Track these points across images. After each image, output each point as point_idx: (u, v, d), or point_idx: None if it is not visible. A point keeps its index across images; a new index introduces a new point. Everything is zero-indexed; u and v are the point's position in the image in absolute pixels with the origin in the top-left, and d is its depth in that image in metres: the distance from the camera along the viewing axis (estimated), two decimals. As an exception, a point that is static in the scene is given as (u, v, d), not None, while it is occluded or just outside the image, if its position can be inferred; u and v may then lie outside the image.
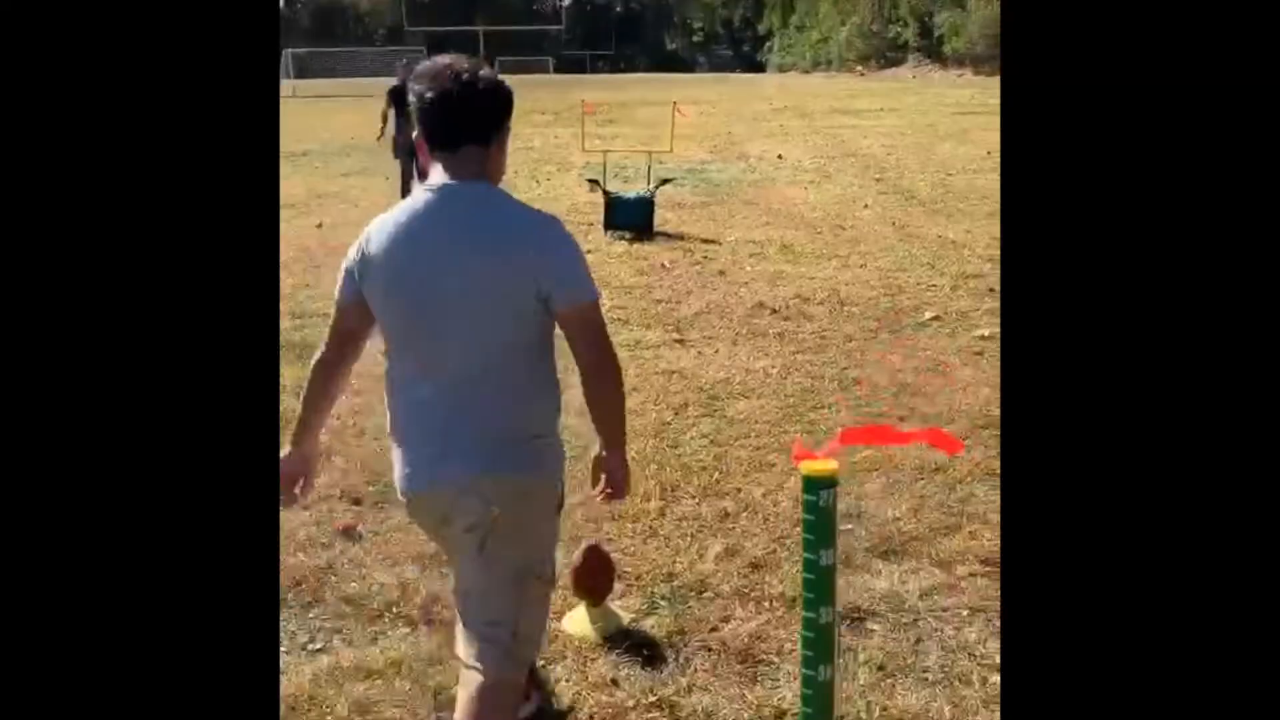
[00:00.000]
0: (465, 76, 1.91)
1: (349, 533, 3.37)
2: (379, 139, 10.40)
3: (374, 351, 5.35)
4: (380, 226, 1.97)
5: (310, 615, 2.90)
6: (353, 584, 3.05)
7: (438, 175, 1.94)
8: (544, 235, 1.92)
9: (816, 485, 1.34)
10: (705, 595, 2.94)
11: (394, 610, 2.90)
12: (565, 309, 1.90)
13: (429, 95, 1.90)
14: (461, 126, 1.92)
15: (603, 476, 2.06)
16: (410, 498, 2.04)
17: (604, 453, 2.05)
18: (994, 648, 2.65)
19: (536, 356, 1.97)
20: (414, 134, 1.99)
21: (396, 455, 2.04)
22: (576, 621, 2.81)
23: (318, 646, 2.76)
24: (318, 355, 2.12)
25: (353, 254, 2.00)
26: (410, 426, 2.01)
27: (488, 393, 1.94)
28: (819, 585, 1.36)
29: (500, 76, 1.99)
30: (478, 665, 1.96)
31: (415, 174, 9.89)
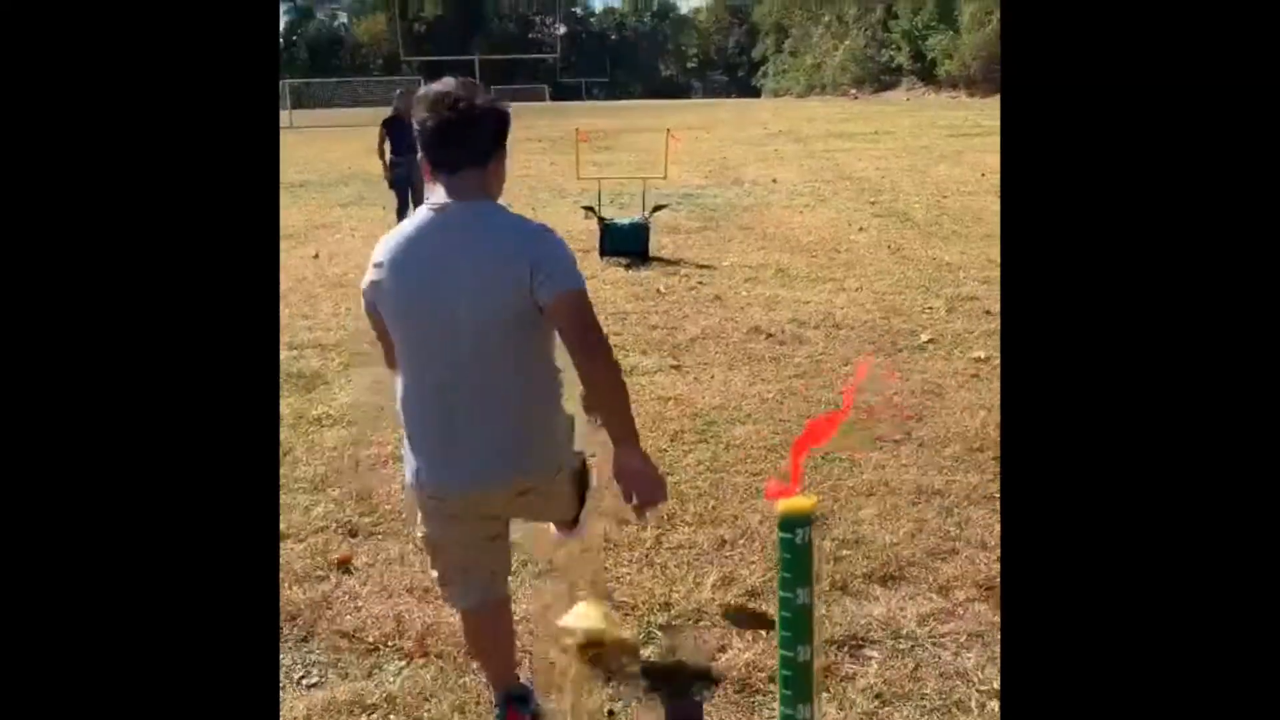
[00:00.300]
0: (462, 105, 2.03)
1: (344, 565, 3.35)
2: (387, 178, 10.18)
3: (368, 382, 5.34)
4: (387, 245, 2.11)
5: (305, 649, 2.88)
6: (348, 617, 3.03)
7: (440, 194, 2.08)
8: (537, 241, 2.04)
9: (792, 523, 1.34)
10: (702, 624, 2.93)
11: (389, 643, 2.89)
12: (550, 299, 1.98)
13: (430, 123, 2.04)
14: (461, 152, 2.06)
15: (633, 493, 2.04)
16: (429, 489, 2.19)
17: (616, 454, 2.02)
18: (992, 674, 2.63)
19: (538, 357, 2.12)
20: (418, 155, 2.12)
21: (412, 452, 2.18)
22: (579, 616, 2.84)
23: (313, 681, 2.74)
24: (389, 365, 2.27)
25: (367, 273, 2.13)
26: (422, 430, 2.15)
27: (496, 397, 2.08)
28: (796, 624, 1.36)
29: (496, 98, 2.11)
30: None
31: (411, 205, 9.93)
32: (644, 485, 2.01)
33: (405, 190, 9.94)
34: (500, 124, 2.08)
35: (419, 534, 2.35)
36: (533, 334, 2.05)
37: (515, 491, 2.18)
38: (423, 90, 2.09)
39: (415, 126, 2.08)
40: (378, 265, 2.09)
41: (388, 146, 9.92)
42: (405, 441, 2.22)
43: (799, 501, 1.32)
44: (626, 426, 2.00)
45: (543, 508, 2.36)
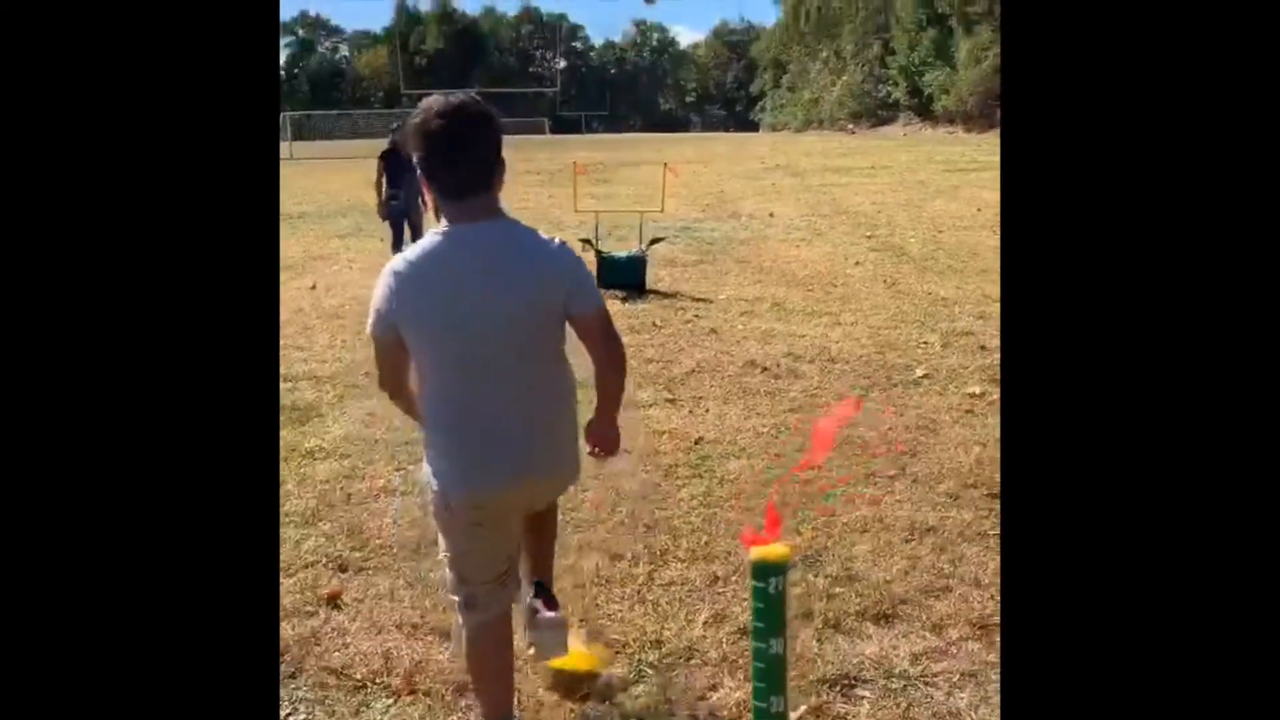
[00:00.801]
0: (459, 137, 2.07)
1: (334, 600, 3.33)
2: (380, 211, 10.16)
3: (362, 415, 5.30)
4: (405, 266, 2.15)
5: (293, 686, 2.85)
6: (336, 654, 3.00)
7: (452, 216, 2.14)
8: (561, 257, 2.18)
9: (765, 571, 1.32)
10: (693, 662, 2.90)
11: (377, 681, 2.86)
12: (581, 314, 2.19)
13: (431, 157, 2.09)
14: (467, 181, 2.12)
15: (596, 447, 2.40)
16: (476, 495, 2.24)
17: (596, 417, 2.36)
18: (985, 714, 2.61)
19: (561, 359, 2.28)
20: (418, 170, 2.14)
21: (447, 466, 2.23)
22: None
23: (300, 718, 2.71)
24: (383, 387, 2.36)
25: (381, 294, 2.16)
26: (461, 441, 2.22)
27: (535, 399, 2.22)
28: (769, 674, 1.34)
29: (485, 108, 2.15)
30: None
31: (409, 236, 9.94)
32: (606, 441, 2.39)
33: (401, 222, 9.95)
34: (496, 138, 2.14)
35: (444, 555, 2.34)
36: (558, 338, 2.22)
37: (552, 484, 2.40)
38: (415, 118, 2.09)
39: (415, 157, 2.09)
40: (397, 286, 2.12)
41: (384, 180, 9.93)
42: (434, 460, 2.24)
43: (774, 549, 1.30)
44: (615, 405, 2.36)
45: (546, 495, 2.52)
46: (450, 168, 2.08)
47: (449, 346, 2.15)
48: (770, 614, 1.32)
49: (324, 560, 3.61)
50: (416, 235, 10.05)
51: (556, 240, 2.22)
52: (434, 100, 2.11)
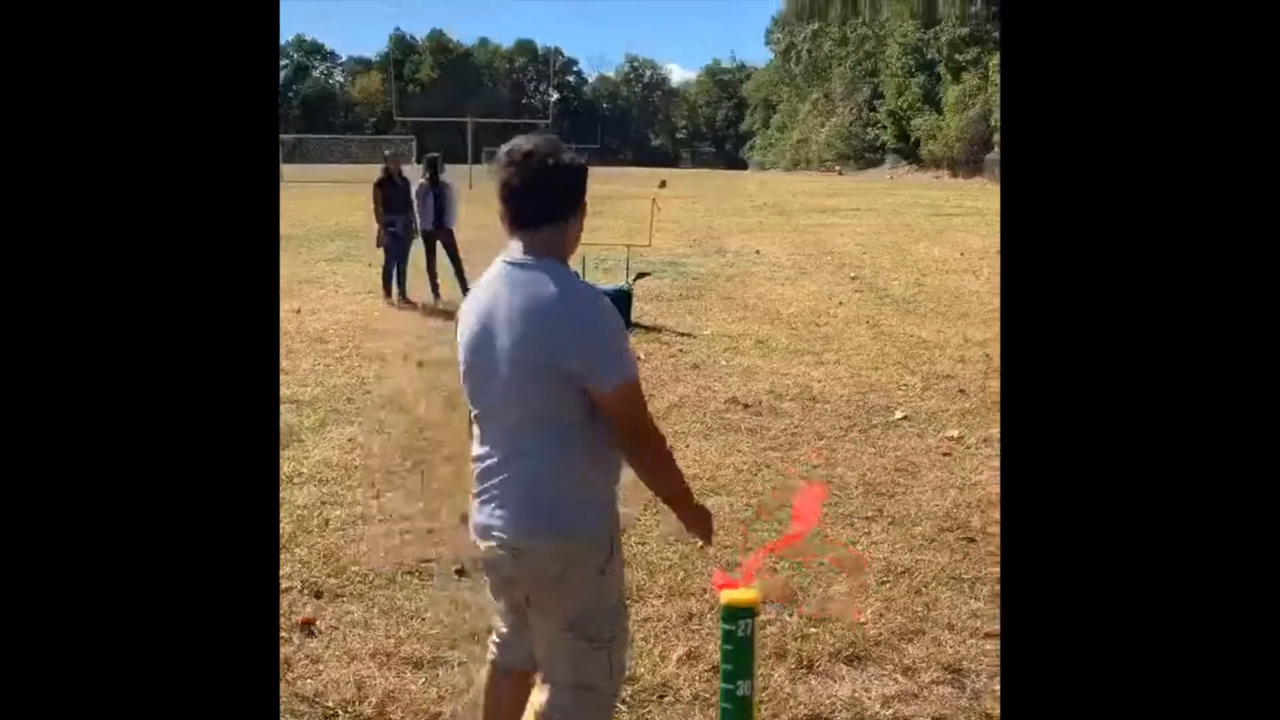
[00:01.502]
0: (546, 162, 2.05)
1: (307, 627, 3.31)
2: (379, 239, 10.15)
3: (342, 440, 5.28)
4: (471, 294, 2.18)
5: (262, 713, 2.83)
6: (308, 680, 2.99)
7: (515, 249, 2.10)
8: (583, 324, 2.01)
9: (735, 615, 1.34)
10: (666, 700, 2.90)
11: (349, 709, 2.84)
12: (596, 393, 2.00)
13: (513, 181, 2.06)
14: (542, 210, 2.08)
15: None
16: (475, 535, 2.15)
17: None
18: (955, 759, 2.62)
19: (581, 424, 2.03)
20: (499, 213, 2.10)
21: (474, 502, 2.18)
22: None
23: (268, 746, 2.69)
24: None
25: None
26: (476, 483, 2.16)
27: (531, 457, 2.06)
28: (736, 716, 1.35)
29: (569, 148, 2.12)
30: (546, 712, 2.15)
31: (397, 267, 9.98)
32: (698, 532, 2.20)
33: (398, 250, 9.97)
34: (580, 179, 2.11)
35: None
36: (572, 405, 2.02)
37: (525, 558, 2.07)
38: (505, 148, 2.10)
39: (498, 184, 2.09)
40: (460, 314, 2.16)
41: (383, 208, 9.97)
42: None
43: (743, 593, 1.32)
44: (670, 491, 2.18)
45: (545, 597, 2.11)
46: (531, 196, 2.07)
47: (472, 386, 2.13)
48: (739, 656, 1.33)
49: (299, 586, 3.59)
50: (404, 263, 10.09)
51: (591, 298, 2.05)
52: (530, 135, 2.12)
